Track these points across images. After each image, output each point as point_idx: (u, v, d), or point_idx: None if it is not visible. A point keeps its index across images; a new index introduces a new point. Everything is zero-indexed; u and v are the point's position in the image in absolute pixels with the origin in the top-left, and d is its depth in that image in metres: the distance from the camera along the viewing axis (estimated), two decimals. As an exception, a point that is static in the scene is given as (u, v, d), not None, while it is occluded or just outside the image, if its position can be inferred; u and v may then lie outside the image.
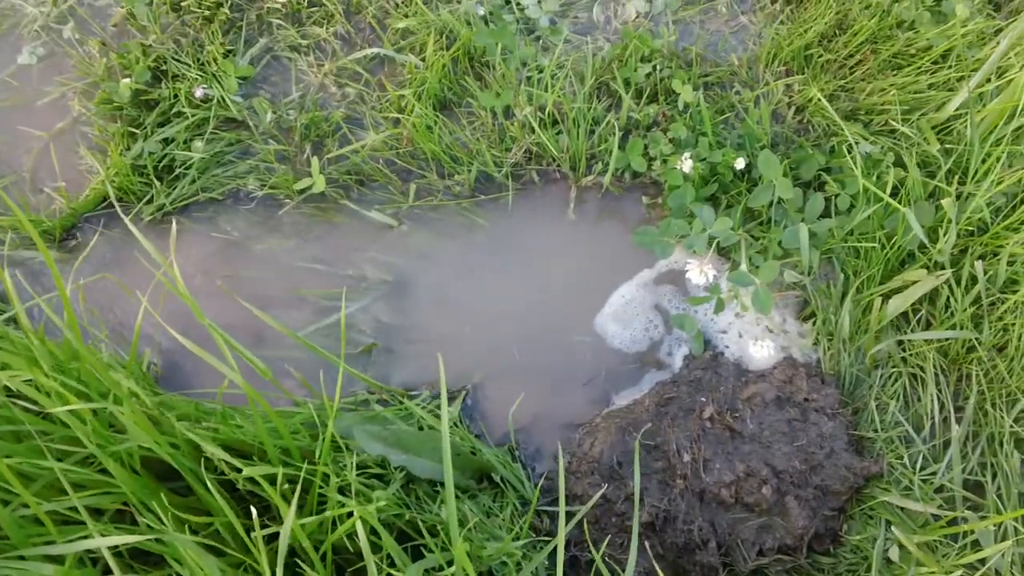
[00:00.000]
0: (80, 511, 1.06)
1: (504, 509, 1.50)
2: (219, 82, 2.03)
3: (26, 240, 1.91)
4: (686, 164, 1.77)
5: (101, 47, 2.15)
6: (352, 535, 1.12)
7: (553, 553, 1.48)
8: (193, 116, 1.99)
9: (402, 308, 1.83)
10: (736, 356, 1.72)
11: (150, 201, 1.93)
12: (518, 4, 2.13)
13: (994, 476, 1.53)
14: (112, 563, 0.98)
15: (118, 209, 1.66)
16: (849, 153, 1.75)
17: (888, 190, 1.67)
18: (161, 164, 1.96)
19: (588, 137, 1.93)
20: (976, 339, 1.63)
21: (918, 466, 1.54)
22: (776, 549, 1.51)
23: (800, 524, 1.50)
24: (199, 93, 1.99)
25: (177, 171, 1.96)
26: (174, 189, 1.94)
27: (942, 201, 1.65)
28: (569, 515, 1.49)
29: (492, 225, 1.91)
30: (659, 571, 1.37)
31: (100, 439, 1.09)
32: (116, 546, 1.08)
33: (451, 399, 1.68)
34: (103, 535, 1.05)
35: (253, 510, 1.01)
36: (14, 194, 1.97)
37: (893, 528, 1.46)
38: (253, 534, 1.06)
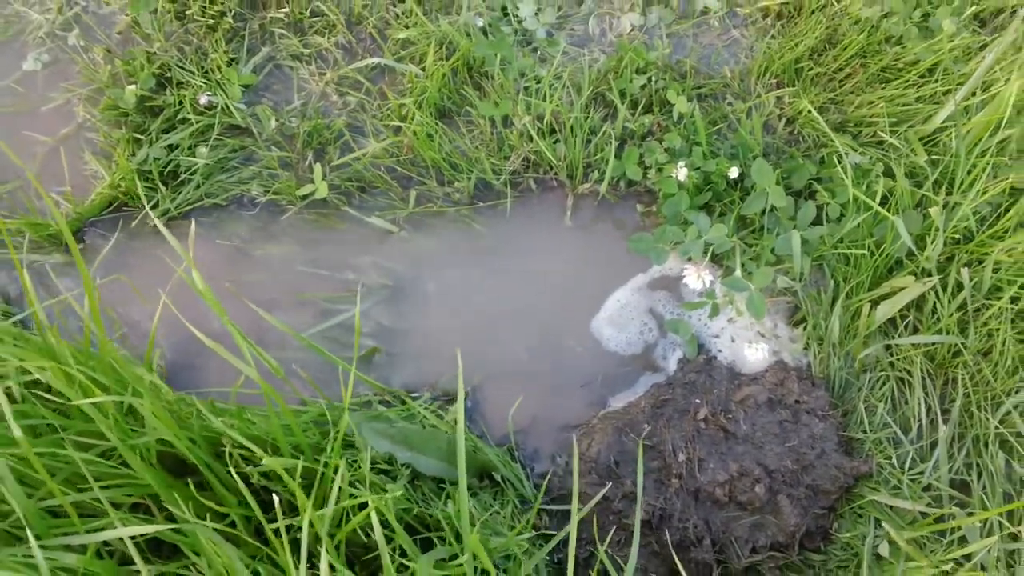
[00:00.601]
0: (102, 502, 1.09)
1: (505, 507, 1.54)
2: (223, 89, 2.07)
3: (32, 244, 1.94)
4: (681, 172, 1.82)
5: (106, 54, 2.18)
6: (364, 527, 1.15)
7: (553, 550, 1.52)
8: (197, 123, 2.03)
9: (402, 312, 1.87)
10: (729, 360, 1.77)
11: (155, 206, 1.96)
12: (516, 16, 2.18)
13: (979, 475, 1.58)
14: (134, 553, 1.02)
15: (149, 212, 1.71)
16: (839, 163, 1.80)
17: (877, 199, 1.73)
18: (166, 170, 1.99)
19: (585, 146, 1.97)
20: (962, 344, 1.68)
21: (906, 466, 1.59)
22: (769, 546, 1.55)
23: (792, 522, 1.55)
24: (203, 100, 2.03)
25: (182, 177, 1.99)
26: (179, 194, 1.97)
27: (929, 210, 1.70)
28: (568, 513, 1.53)
29: (490, 231, 1.95)
30: (678, 564, 1.41)
31: (120, 432, 1.12)
32: (135, 537, 1.12)
33: (452, 400, 1.72)
34: (124, 525, 1.08)
35: (276, 498, 1.04)
36: (20, 198, 2.00)
37: (883, 524, 1.51)
38: (272, 525, 1.10)
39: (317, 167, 1.97)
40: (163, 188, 1.96)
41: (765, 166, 1.78)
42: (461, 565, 1.13)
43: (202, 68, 2.13)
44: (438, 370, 1.78)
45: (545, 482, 1.59)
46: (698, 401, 1.67)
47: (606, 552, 1.51)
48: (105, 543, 1.19)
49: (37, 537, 1.10)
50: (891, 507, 1.55)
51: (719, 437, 1.62)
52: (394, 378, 1.79)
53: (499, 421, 1.73)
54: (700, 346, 1.79)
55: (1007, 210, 1.74)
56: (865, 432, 1.65)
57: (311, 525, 1.15)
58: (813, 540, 1.57)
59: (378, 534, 1.07)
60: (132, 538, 1.12)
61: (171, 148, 2.01)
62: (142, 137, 2.03)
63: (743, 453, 1.60)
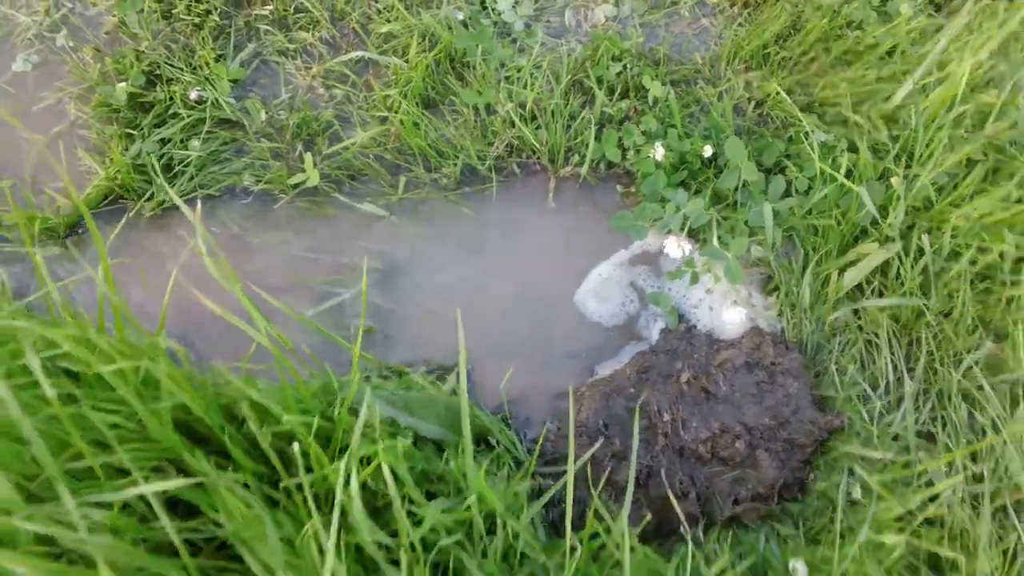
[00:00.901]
0: (124, 464, 1.15)
1: (501, 469, 1.62)
2: (212, 85, 2.14)
3: (33, 238, 2.00)
4: (658, 152, 1.92)
5: (95, 53, 2.24)
6: (375, 478, 1.23)
7: (548, 509, 1.60)
8: (189, 117, 2.10)
9: (395, 293, 1.95)
10: (708, 328, 1.86)
11: (150, 198, 2.02)
12: (494, 9, 2.26)
13: (944, 426, 1.68)
14: (159, 508, 1.08)
15: (170, 190, 1.75)
16: (806, 140, 1.91)
17: (842, 172, 1.83)
18: (160, 163, 2.05)
19: (565, 131, 2.06)
20: (925, 305, 1.79)
21: (875, 419, 1.69)
22: (750, 498, 1.64)
23: (771, 475, 1.64)
24: (194, 95, 2.10)
25: (176, 169, 2.06)
26: (173, 186, 2.04)
27: (891, 180, 1.81)
28: (561, 475, 1.61)
29: (477, 214, 2.04)
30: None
31: (139, 399, 1.19)
32: (158, 494, 1.18)
33: (446, 373, 1.80)
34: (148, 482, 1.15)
35: (296, 445, 1.12)
36: (17, 195, 2.05)
37: (855, 472, 1.61)
38: (292, 480, 1.17)
39: (308, 156, 2.04)
40: (158, 180, 2.03)
41: (738, 143, 1.88)
42: (468, 508, 1.21)
43: (190, 65, 2.19)
44: (432, 346, 1.86)
45: (538, 446, 1.67)
46: (680, 366, 1.76)
47: (598, 501, 1.59)
48: (124, 505, 1.25)
49: (72, 492, 1.16)
50: (863, 458, 1.65)
51: (701, 398, 1.72)
52: (390, 355, 1.86)
53: (492, 392, 1.81)
54: (680, 316, 1.89)
55: (964, 179, 1.86)
56: (836, 391, 1.74)
57: (325, 479, 1.23)
58: (791, 491, 1.67)
59: (389, 482, 1.15)
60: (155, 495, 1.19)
61: (164, 142, 2.08)
62: (135, 132, 2.09)
63: (724, 412, 1.69)
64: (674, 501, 1.49)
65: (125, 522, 1.18)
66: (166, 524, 1.14)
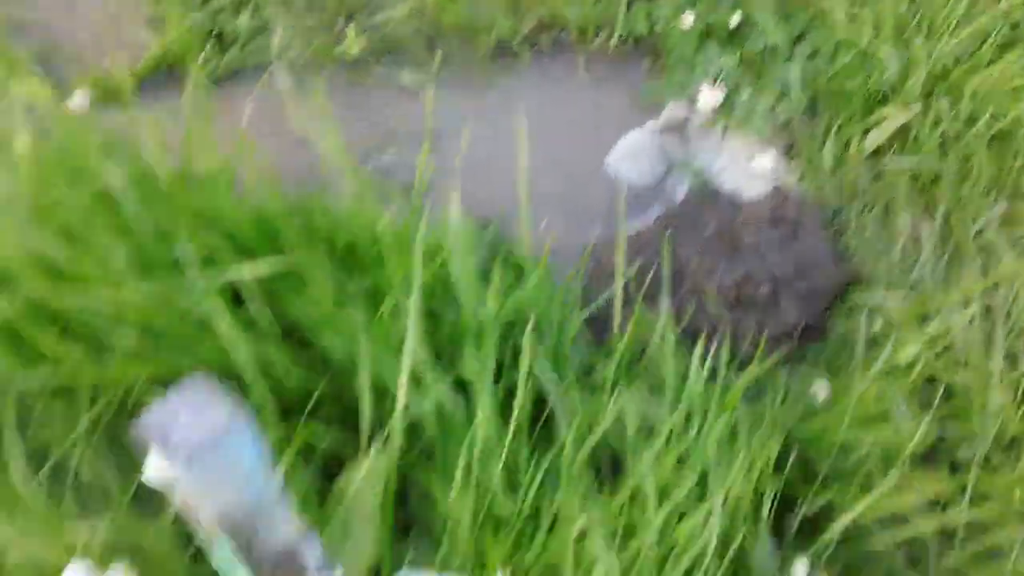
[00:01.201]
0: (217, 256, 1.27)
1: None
2: (256, -37, 2.23)
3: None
4: (687, 20, 2.00)
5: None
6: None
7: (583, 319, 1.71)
8: (237, -9, 2.19)
9: (436, 158, 2.04)
10: (732, 190, 1.96)
11: (204, 65, 2.12)
12: None
13: (960, 278, 1.79)
14: (252, 288, 1.20)
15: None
16: (830, 12, 1.99)
17: (865, 39, 1.91)
18: (212, 33, 2.15)
19: (595, 5, 2.14)
20: (942, 169, 1.88)
21: (894, 270, 1.79)
22: (773, 339, 1.75)
23: (793, 318, 1.75)
24: (240, -29, 2.19)
25: (227, 41, 2.15)
26: (224, 56, 2.13)
27: (913, 42, 1.89)
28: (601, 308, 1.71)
29: (511, 86, 2.13)
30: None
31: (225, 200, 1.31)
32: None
33: (485, 226, 1.90)
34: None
35: (381, 223, 1.23)
36: (78, 66, 2.15)
37: (875, 310, 1.71)
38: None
39: (350, 29, 2.13)
40: (209, 50, 2.12)
41: (766, 8, 1.96)
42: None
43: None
44: (472, 205, 1.96)
45: (578, 275, 1.76)
46: (706, 220, 1.87)
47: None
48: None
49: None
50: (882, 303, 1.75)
51: (727, 248, 1.82)
52: (432, 213, 1.97)
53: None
54: (705, 182, 1.98)
55: (980, 47, 1.94)
56: (856, 246, 1.84)
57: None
58: (812, 334, 1.78)
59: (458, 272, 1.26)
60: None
61: (216, 14, 2.17)
62: (186, 5, 2.18)
63: (748, 261, 1.80)
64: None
65: (221, 304, 1.28)
66: (256, 302, 1.25)
